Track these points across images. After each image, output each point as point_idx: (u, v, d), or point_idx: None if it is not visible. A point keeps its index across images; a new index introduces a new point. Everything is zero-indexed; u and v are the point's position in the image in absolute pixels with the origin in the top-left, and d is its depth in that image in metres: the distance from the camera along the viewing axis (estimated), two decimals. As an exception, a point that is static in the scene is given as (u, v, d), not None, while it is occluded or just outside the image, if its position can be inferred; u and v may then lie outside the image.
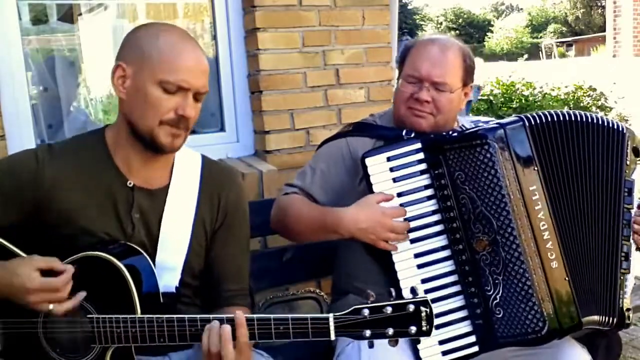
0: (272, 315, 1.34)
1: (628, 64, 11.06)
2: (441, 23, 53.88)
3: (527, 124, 1.62)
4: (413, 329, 1.28)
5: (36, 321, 1.42)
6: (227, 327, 1.31)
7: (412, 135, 1.76)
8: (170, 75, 1.39)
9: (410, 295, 1.32)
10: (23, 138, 2.32)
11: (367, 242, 1.65)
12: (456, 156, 1.62)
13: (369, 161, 1.67)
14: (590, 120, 1.67)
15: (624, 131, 1.69)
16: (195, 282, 1.61)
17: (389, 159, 1.67)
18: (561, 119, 1.65)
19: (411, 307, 1.28)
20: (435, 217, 1.66)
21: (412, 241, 1.65)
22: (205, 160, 1.63)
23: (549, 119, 1.64)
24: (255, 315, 1.34)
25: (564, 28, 46.98)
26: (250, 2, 2.57)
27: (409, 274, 1.64)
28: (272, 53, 2.60)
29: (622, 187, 1.69)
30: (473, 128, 1.68)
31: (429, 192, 1.66)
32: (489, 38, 49.20)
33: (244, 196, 1.67)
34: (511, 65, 11.65)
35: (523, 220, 1.59)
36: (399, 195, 1.65)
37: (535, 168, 1.61)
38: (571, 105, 7.59)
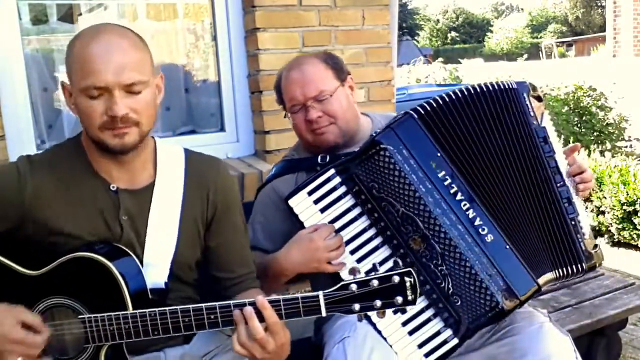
0: (268, 298, 1.34)
1: (628, 64, 11.04)
2: (438, 20, 53.82)
3: (416, 115, 1.64)
4: (399, 299, 1.31)
5: None
6: (248, 308, 1.33)
7: (327, 159, 1.81)
8: (85, 80, 1.34)
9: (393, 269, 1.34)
10: (23, 138, 2.32)
11: (314, 272, 1.68)
12: (363, 170, 1.65)
13: (292, 202, 1.71)
14: (480, 90, 1.67)
15: (514, 87, 1.70)
16: (193, 276, 1.62)
17: (309, 193, 1.70)
18: (450, 98, 1.66)
19: (396, 279, 1.31)
20: (372, 231, 1.69)
21: (359, 260, 1.68)
22: (188, 153, 1.63)
23: (439, 102, 1.65)
24: (246, 300, 1.34)
25: (563, 28, 46.98)
26: (250, 2, 2.57)
27: None
28: (272, 53, 2.60)
29: (535, 138, 1.69)
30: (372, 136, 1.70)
31: (357, 210, 1.69)
32: (489, 38, 49.18)
33: (231, 182, 1.68)
34: (511, 65, 11.64)
35: (443, 206, 1.62)
36: (331, 222, 1.68)
37: (439, 154, 1.64)
38: (571, 105, 7.58)
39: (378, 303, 1.31)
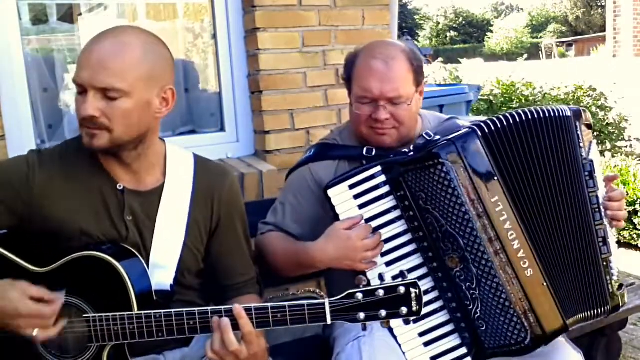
0: (269, 304, 1.35)
1: (628, 64, 11.06)
2: (438, 22, 53.82)
3: (479, 133, 1.58)
4: (404, 309, 1.32)
5: None
6: (224, 319, 1.33)
7: (373, 153, 1.74)
8: (75, 74, 1.39)
9: (400, 280, 1.35)
10: (23, 138, 2.32)
11: (346, 269, 1.63)
12: (414, 177, 1.59)
13: (331, 192, 1.64)
14: (537, 115, 1.62)
15: (568, 114, 1.64)
16: (197, 281, 1.62)
17: (351, 187, 1.64)
18: (514, 120, 1.60)
19: (402, 289, 1.31)
20: (407, 237, 1.64)
21: (388, 264, 1.63)
22: (197, 159, 1.63)
23: (503, 123, 1.59)
24: (252, 305, 1.35)
25: (563, 28, 47.00)
26: (250, 2, 2.57)
27: None
28: (272, 53, 2.60)
29: (582, 172, 1.64)
30: (429, 145, 1.65)
31: (396, 213, 1.64)
32: (489, 38, 49.19)
33: (237, 191, 1.69)
34: (511, 65, 11.63)
35: (490, 233, 1.56)
36: (367, 220, 1.63)
37: (496, 177, 1.57)
38: (571, 105, 7.57)
39: (383, 313, 1.32)
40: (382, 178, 1.64)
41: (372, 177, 1.64)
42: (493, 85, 8.20)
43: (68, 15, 2.82)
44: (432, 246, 1.61)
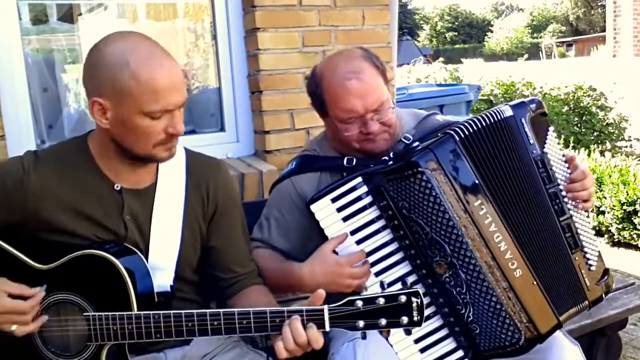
0: (267, 309, 1.35)
1: (628, 64, 11.06)
2: (436, 23, 53.80)
3: (456, 138, 1.56)
4: (405, 319, 1.30)
5: None
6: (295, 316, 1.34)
7: (354, 163, 1.73)
8: (154, 105, 1.37)
9: (401, 287, 1.34)
10: (23, 138, 2.32)
11: (333, 292, 1.60)
12: (395, 187, 1.58)
13: (314, 207, 1.63)
14: (488, 119, 1.61)
15: (508, 114, 1.63)
16: (195, 277, 1.63)
17: (333, 200, 1.63)
18: (481, 124, 1.60)
19: (403, 298, 1.30)
20: (394, 246, 1.63)
21: (377, 274, 1.62)
22: (188, 153, 1.64)
23: (474, 127, 1.59)
24: (251, 309, 1.35)
25: (564, 28, 46.98)
26: (250, 2, 2.57)
27: None
28: (272, 53, 2.60)
29: (533, 171, 1.63)
30: (407, 152, 1.64)
31: (381, 223, 1.63)
32: (489, 38, 49.20)
33: (230, 180, 1.70)
34: (511, 65, 11.64)
35: (475, 238, 1.56)
36: (353, 233, 1.62)
37: (477, 181, 1.57)
38: (571, 105, 7.58)
39: (383, 322, 1.30)
40: (364, 189, 1.63)
41: (354, 188, 1.63)
42: (493, 85, 8.21)
43: (68, 15, 2.82)
44: (420, 253, 1.60)
